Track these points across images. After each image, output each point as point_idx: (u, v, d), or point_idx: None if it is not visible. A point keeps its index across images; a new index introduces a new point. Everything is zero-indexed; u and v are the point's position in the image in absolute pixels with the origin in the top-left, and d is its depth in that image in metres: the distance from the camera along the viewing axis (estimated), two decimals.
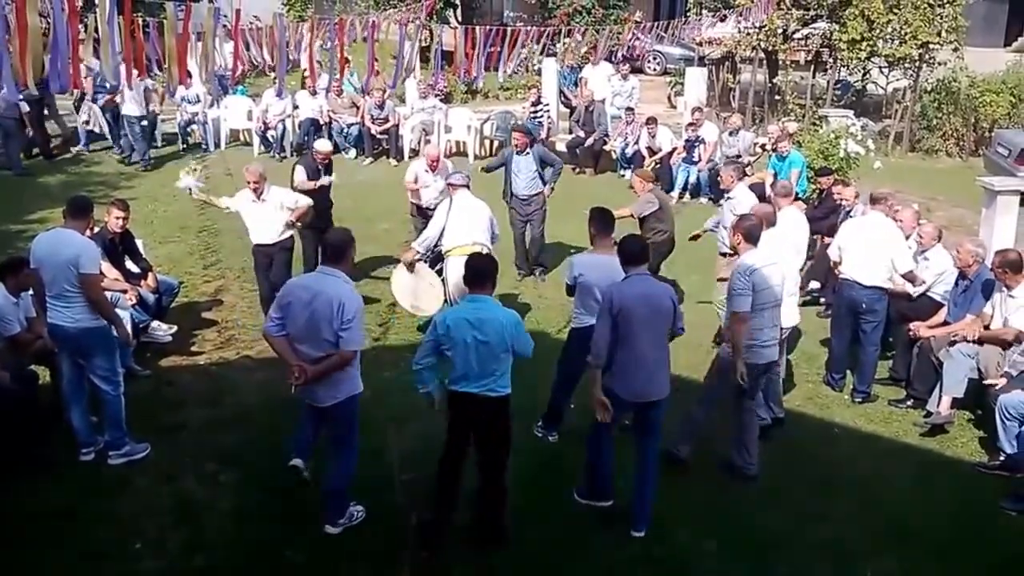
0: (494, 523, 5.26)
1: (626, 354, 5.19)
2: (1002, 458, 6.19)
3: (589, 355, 5.29)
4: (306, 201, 8.01)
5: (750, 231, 5.90)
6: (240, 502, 5.68)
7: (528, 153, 9.35)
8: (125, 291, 7.27)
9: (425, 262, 8.04)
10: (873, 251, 7.10)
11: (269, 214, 7.80)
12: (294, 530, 5.34)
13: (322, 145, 9.07)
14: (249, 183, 7.69)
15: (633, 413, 5.44)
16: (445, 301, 7.79)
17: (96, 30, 7.05)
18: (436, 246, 7.97)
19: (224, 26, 14.42)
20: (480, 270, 5.15)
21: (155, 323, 7.65)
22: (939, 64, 16.21)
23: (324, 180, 8.73)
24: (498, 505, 5.25)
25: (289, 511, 5.52)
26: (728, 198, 8.30)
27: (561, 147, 14.69)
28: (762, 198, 8.79)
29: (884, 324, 7.32)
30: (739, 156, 12.40)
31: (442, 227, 7.81)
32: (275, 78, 14.88)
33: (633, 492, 5.45)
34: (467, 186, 7.98)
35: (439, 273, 7.96)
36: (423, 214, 9.07)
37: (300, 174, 8.69)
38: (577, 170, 14.25)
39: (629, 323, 5.15)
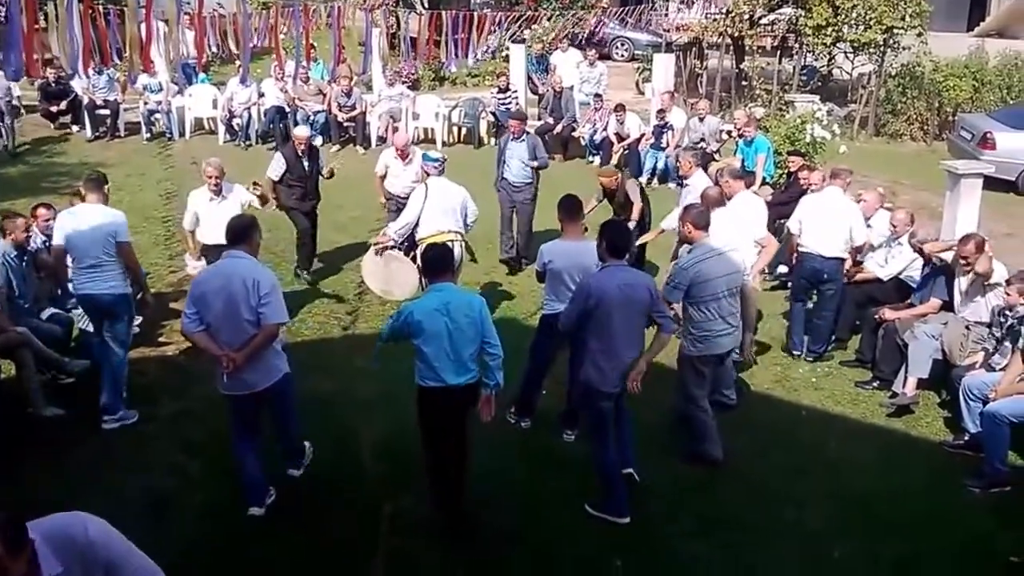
0: (459, 507, 5.25)
1: (603, 344, 5.18)
2: (966, 437, 6.28)
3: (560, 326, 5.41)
4: (251, 198, 7.84)
5: (696, 219, 5.94)
6: (211, 494, 5.62)
7: (523, 140, 9.35)
8: None
9: (399, 249, 7.94)
10: (832, 224, 7.44)
11: (229, 212, 7.28)
12: (266, 522, 5.29)
13: (300, 131, 8.90)
14: (210, 178, 7.40)
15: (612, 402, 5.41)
16: (420, 287, 7.76)
17: (57, 18, 6.93)
18: (411, 232, 7.85)
19: (186, 14, 14.25)
20: (440, 259, 5.17)
21: None
22: (903, 49, 16.36)
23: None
24: (461, 490, 5.24)
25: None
26: (685, 184, 8.32)
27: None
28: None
29: (841, 292, 7.62)
30: (702, 141, 12.45)
31: (418, 214, 7.70)
32: (239, 66, 14.79)
33: (616, 448, 5.51)
34: (442, 171, 7.92)
35: (413, 260, 7.87)
36: (396, 202, 9.02)
37: (274, 164, 8.60)
38: None
39: (608, 313, 5.13)
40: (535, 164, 9.39)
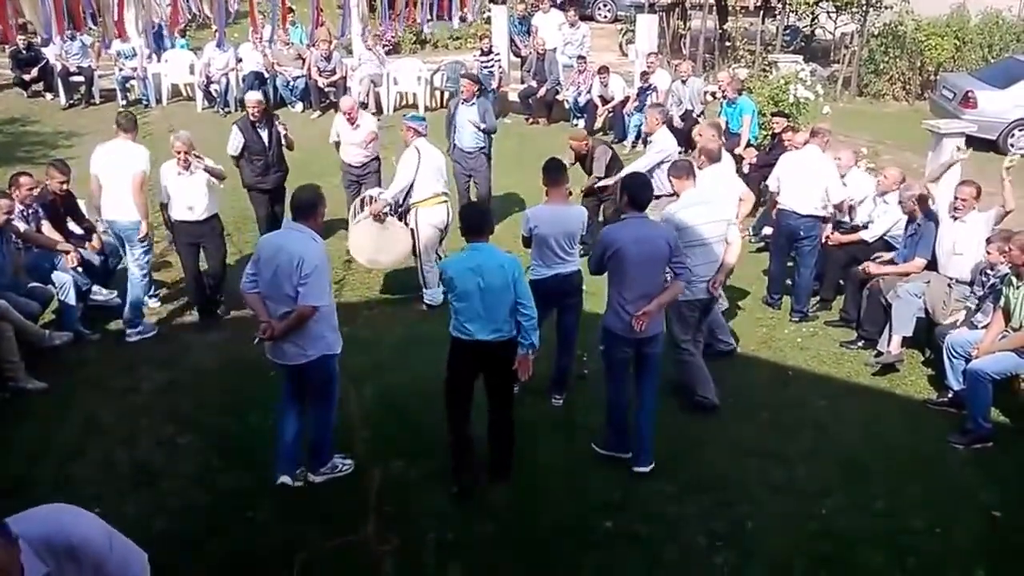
0: (503, 456, 5.39)
1: (621, 294, 5.30)
2: (950, 395, 6.34)
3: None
4: (220, 169, 7.60)
5: (676, 171, 6.19)
6: (200, 465, 5.60)
7: (473, 104, 9.18)
8: (67, 252, 7.08)
9: (393, 215, 7.74)
10: (809, 182, 7.58)
11: (197, 188, 7.22)
12: (257, 491, 5.28)
13: (251, 96, 8.37)
14: (179, 153, 7.06)
15: (633, 351, 5.50)
16: (413, 253, 7.71)
17: None
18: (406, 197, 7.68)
19: None
20: (477, 218, 5.18)
21: (95, 287, 7.53)
22: (885, 8, 16.32)
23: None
24: (507, 437, 5.36)
25: (251, 472, 5.46)
26: (651, 142, 8.39)
27: (513, 97, 14.56)
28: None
29: (817, 248, 7.75)
30: (680, 103, 12.36)
31: (413, 178, 7.53)
32: (216, 31, 14.54)
33: (633, 430, 5.57)
34: (425, 134, 7.81)
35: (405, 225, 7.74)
36: (348, 176, 8.90)
37: (231, 139, 8.22)
38: (530, 120, 14.15)
39: (622, 264, 5.24)
40: (483, 127, 9.21)
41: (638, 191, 5.46)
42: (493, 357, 5.08)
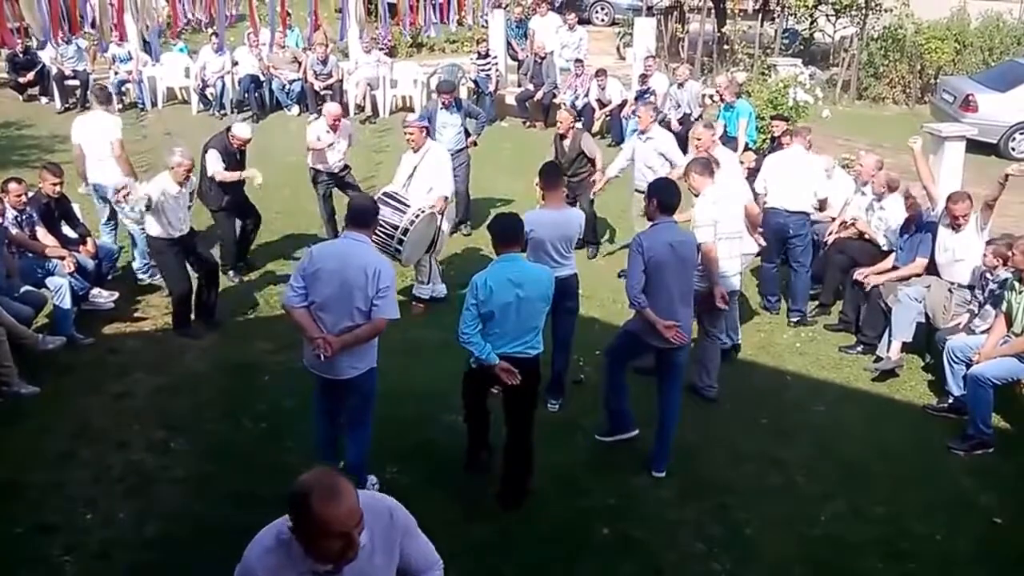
0: (518, 483, 5.20)
1: (653, 300, 5.26)
2: (950, 400, 6.30)
3: (631, 304, 5.36)
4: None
5: (704, 167, 6.24)
6: (192, 470, 5.55)
7: (452, 108, 9.25)
8: (63, 258, 7.02)
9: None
10: (795, 180, 7.65)
11: (186, 200, 7.11)
12: (249, 495, 5.21)
13: (240, 131, 8.07)
14: (188, 170, 6.95)
15: (655, 356, 5.49)
16: (427, 251, 7.67)
17: None
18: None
19: None
20: (512, 229, 5.01)
21: (96, 290, 7.44)
22: (885, 11, 16.30)
23: (247, 174, 8.00)
24: (525, 464, 5.19)
25: (243, 478, 5.40)
26: (648, 138, 8.34)
27: (510, 100, 14.51)
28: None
29: (811, 247, 7.78)
30: (678, 106, 12.32)
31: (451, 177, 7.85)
32: (211, 34, 14.51)
33: (655, 434, 5.54)
34: None
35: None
36: (325, 184, 8.84)
37: (214, 162, 7.88)
38: (527, 124, 14.11)
39: (658, 270, 5.21)
40: (476, 123, 9.55)
41: (666, 195, 5.37)
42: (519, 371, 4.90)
